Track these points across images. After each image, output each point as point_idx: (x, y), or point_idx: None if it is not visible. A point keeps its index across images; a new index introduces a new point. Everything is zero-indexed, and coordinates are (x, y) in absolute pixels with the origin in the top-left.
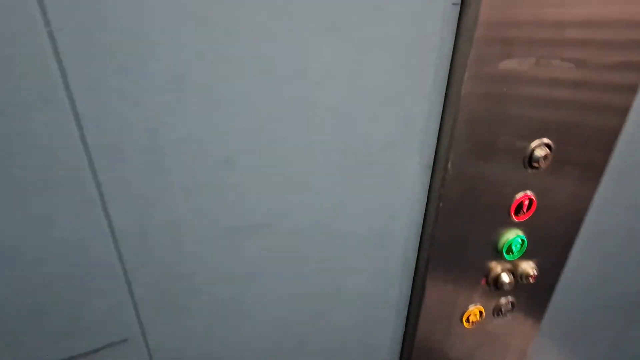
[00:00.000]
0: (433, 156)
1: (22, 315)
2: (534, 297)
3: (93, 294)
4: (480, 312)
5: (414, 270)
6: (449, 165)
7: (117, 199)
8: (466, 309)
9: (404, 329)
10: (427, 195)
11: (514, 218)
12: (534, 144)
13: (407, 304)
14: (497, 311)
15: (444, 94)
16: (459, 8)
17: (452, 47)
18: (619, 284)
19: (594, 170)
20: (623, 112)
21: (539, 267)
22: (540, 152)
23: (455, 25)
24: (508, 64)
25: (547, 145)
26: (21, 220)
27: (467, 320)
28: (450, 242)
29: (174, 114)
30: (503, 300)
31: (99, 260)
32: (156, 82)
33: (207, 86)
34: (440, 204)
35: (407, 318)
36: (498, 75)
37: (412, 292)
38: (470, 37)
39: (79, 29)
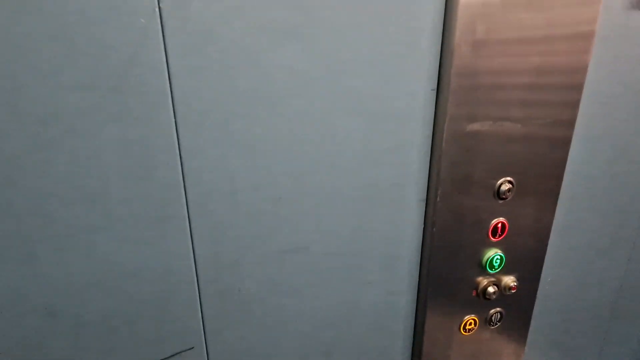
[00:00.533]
0: (426, 192)
1: (115, 324)
2: (518, 307)
3: (172, 308)
4: (475, 321)
5: (417, 285)
6: (438, 199)
7: (201, 230)
8: (463, 319)
9: (412, 339)
10: (423, 222)
11: (492, 239)
12: (499, 181)
13: (414, 315)
14: (489, 321)
15: (430, 148)
16: (435, 93)
17: (432, 119)
18: (591, 292)
19: (550, 197)
20: (564, 151)
21: (519, 279)
22: (505, 187)
23: (434, 106)
24: (473, 127)
25: (510, 182)
26: (130, 249)
27: (465, 329)
28: (444, 260)
29: (247, 170)
30: (492, 310)
31: (180, 279)
32: (239, 149)
33: (269, 151)
34: (434, 230)
35: (415, 329)
36: (467, 134)
37: (417, 305)
38: (444, 112)
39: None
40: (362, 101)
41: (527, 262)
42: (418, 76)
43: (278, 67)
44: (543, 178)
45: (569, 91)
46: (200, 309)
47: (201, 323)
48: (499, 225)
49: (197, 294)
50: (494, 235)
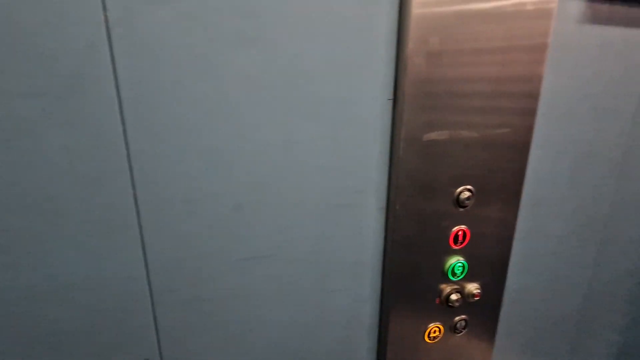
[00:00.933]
0: (386, 200)
1: (65, 336)
2: (483, 314)
3: (125, 319)
4: (439, 329)
5: (380, 293)
6: (397, 207)
7: (154, 239)
8: (427, 326)
9: (377, 346)
10: (384, 230)
11: (454, 247)
12: (459, 189)
13: (378, 323)
14: (454, 328)
15: (388, 156)
16: (392, 102)
17: (390, 127)
18: (558, 298)
19: (511, 205)
20: (523, 158)
21: (482, 286)
22: (464, 195)
23: (391, 115)
24: (431, 135)
25: (469, 190)
26: (78, 259)
27: (429, 336)
28: (406, 268)
29: (203, 178)
30: (457, 317)
31: (133, 289)
32: (194, 157)
33: (227, 158)
34: (394, 237)
35: (379, 336)
36: (425, 143)
37: (380, 312)
38: (401, 121)
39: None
40: (321, 108)
41: (491, 269)
42: (374, 85)
43: (233, 74)
44: (503, 186)
45: (525, 100)
46: (154, 319)
47: (155, 334)
48: (460, 233)
49: (151, 305)
50: (455, 243)
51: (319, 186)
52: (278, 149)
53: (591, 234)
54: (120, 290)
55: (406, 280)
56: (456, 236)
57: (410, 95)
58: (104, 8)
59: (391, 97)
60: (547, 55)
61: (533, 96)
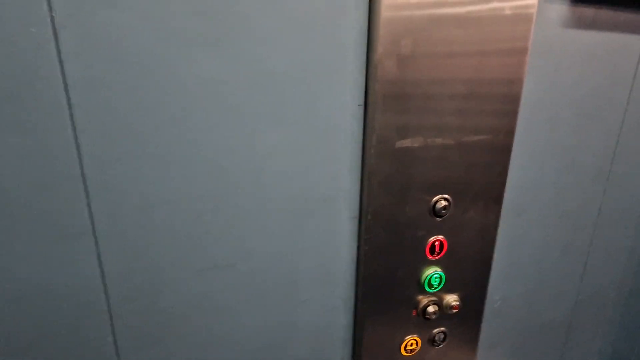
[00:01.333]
0: (358, 210)
1: (18, 348)
2: (463, 326)
3: (81, 330)
4: (417, 342)
5: (354, 304)
6: (369, 217)
7: (110, 247)
8: (403, 339)
9: (351, 357)
10: (357, 240)
11: (430, 257)
12: (435, 198)
13: (352, 334)
14: (432, 341)
15: (360, 165)
16: (362, 108)
17: (361, 133)
18: (545, 308)
19: (491, 214)
20: (503, 165)
21: (462, 298)
22: (441, 204)
23: (362, 121)
24: (404, 143)
25: (446, 199)
26: (29, 268)
27: (406, 349)
28: (380, 279)
29: (161, 185)
30: (435, 330)
31: (89, 299)
32: (151, 163)
33: (186, 164)
34: (367, 247)
35: (353, 348)
36: (397, 150)
37: (354, 324)
38: (372, 127)
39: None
40: (288, 114)
41: (471, 280)
42: (343, 90)
43: (193, 77)
44: (483, 194)
45: (505, 104)
46: (112, 330)
47: (114, 345)
48: (437, 243)
49: (108, 315)
50: (432, 254)
51: (284, 194)
52: (241, 156)
53: (578, 242)
54: (76, 300)
55: (381, 291)
56: (432, 246)
57: (381, 101)
58: (50, 8)
59: (361, 102)
60: (528, 59)
61: (513, 100)
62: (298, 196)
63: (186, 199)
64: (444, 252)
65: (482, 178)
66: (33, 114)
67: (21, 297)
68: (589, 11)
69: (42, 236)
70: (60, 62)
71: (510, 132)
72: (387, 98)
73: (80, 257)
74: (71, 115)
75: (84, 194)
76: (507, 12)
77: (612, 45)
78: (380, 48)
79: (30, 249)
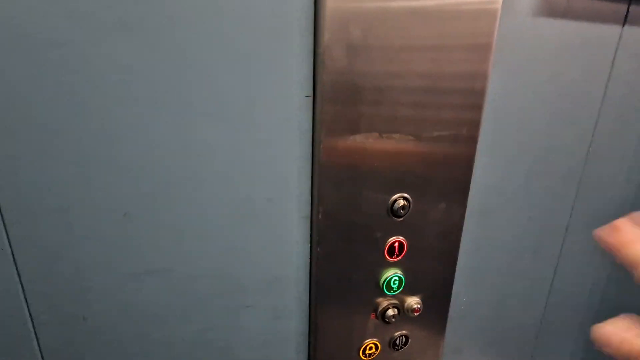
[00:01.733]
0: (310, 209)
1: None
2: (427, 329)
3: (3, 343)
4: (376, 345)
5: (308, 308)
6: (320, 217)
7: (25, 253)
8: (362, 343)
9: None
10: (309, 242)
11: (389, 259)
12: (393, 197)
13: (307, 341)
14: (393, 344)
15: (310, 161)
16: (311, 100)
17: (310, 127)
18: (514, 312)
19: (455, 214)
20: (467, 163)
21: (424, 300)
22: (399, 204)
23: (311, 114)
24: (357, 138)
25: (406, 198)
26: None
27: (365, 353)
28: (335, 281)
29: (79, 184)
30: (396, 333)
31: (9, 313)
32: (67, 162)
33: (107, 161)
34: (319, 249)
35: (308, 356)
36: (350, 146)
37: (309, 330)
38: (320, 120)
39: None
40: (224, 107)
41: (433, 282)
42: (289, 80)
43: (111, 64)
44: (445, 193)
45: (468, 96)
46: (38, 344)
47: (40, 356)
48: (396, 244)
49: (31, 327)
50: (390, 255)
51: (225, 194)
52: (173, 153)
53: (548, 245)
54: None
55: (337, 294)
56: (391, 247)
57: (331, 92)
58: None
59: (309, 93)
60: (492, 55)
61: (477, 95)
62: (240, 196)
63: (109, 200)
64: (403, 253)
65: (444, 176)
66: None
67: None
68: None
69: None
70: None
71: (474, 128)
72: (338, 89)
73: None
74: None
75: None
76: (470, 6)
77: (586, 36)
78: (327, 34)
79: None
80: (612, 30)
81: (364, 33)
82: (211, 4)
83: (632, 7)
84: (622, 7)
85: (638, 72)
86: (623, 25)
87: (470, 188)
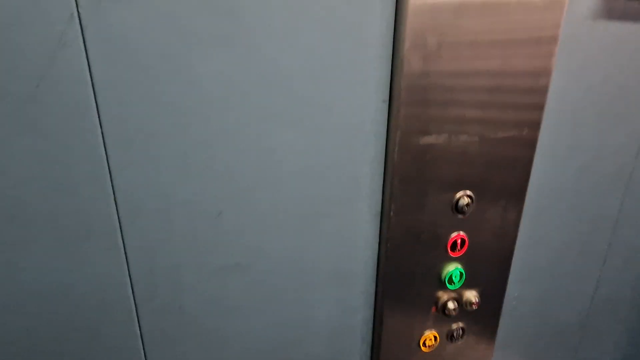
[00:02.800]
0: (380, 207)
1: (44, 349)
2: (482, 322)
3: (108, 327)
4: (435, 337)
5: (374, 301)
6: (392, 214)
7: (134, 247)
8: (422, 334)
9: (370, 355)
10: (378, 238)
11: (451, 254)
12: (458, 195)
13: (371, 332)
14: (450, 336)
15: (383, 162)
16: (387, 105)
17: (385, 131)
18: (560, 308)
19: (513, 212)
20: (527, 163)
21: (481, 295)
22: (463, 201)
23: (386, 118)
24: (428, 139)
25: (469, 196)
26: (56, 268)
27: (425, 344)
28: (400, 275)
29: (182, 185)
30: (454, 325)
31: (115, 298)
32: (170, 164)
33: (205, 165)
34: (388, 245)
35: (372, 345)
36: (421, 147)
37: (374, 321)
38: (397, 125)
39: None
40: (307, 113)
41: (490, 277)
42: (367, 87)
43: (211, 76)
44: (505, 192)
45: (531, 95)
46: (139, 328)
47: (140, 342)
48: (459, 240)
49: (135, 313)
50: (453, 250)
51: (301, 195)
52: (258, 156)
53: (596, 243)
54: (102, 298)
55: (401, 287)
56: (454, 243)
57: (406, 98)
58: (77, 4)
59: (386, 99)
60: (557, 49)
61: (540, 94)
62: (318, 195)
63: (205, 200)
64: (465, 248)
65: (505, 175)
66: (58, 115)
67: (46, 296)
68: (620, 2)
69: (67, 236)
70: (88, 60)
71: (535, 128)
72: (413, 94)
73: (107, 257)
74: (99, 117)
75: (112, 194)
76: (536, 16)
77: None
78: (407, 42)
79: (55, 249)
80: None
81: (438, 37)
82: (297, 17)
83: None
84: None
85: None
86: None
87: (528, 186)
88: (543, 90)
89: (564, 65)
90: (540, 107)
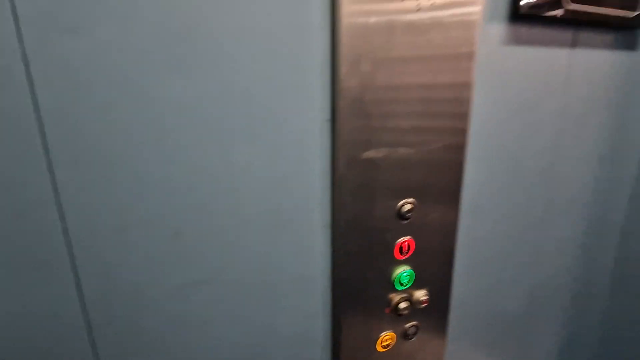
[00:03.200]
0: (330, 217)
1: None
2: (433, 319)
3: (63, 356)
4: (391, 337)
5: (331, 307)
6: (342, 223)
7: (88, 270)
8: (379, 336)
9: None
10: (331, 247)
11: (399, 258)
12: (400, 202)
13: (330, 337)
14: (405, 335)
15: (330, 175)
16: (330, 123)
17: (330, 147)
18: (504, 297)
19: (451, 214)
20: (459, 168)
21: (430, 293)
22: (406, 208)
23: (330, 135)
24: (369, 154)
25: (411, 203)
26: (6, 295)
27: (382, 345)
28: (354, 281)
29: (138, 205)
30: (408, 324)
31: (68, 321)
32: (126, 185)
33: (161, 183)
34: (340, 253)
35: (332, 351)
36: (364, 160)
37: (332, 327)
38: (340, 141)
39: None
40: (260, 131)
41: (437, 275)
42: (312, 108)
43: (165, 99)
44: (443, 195)
45: (457, 106)
46: (96, 353)
47: None
48: (405, 244)
49: (90, 338)
50: (400, 254)
51: (260, 208)
52: (217, 172)
53: (526, 236)
54: (55, 325)
55: (356, 293)
56: (401, 247)
57: (347, 115)
58: (20, 39)
59: (329, 118)
60: (474, 64)
61: (465, 104)
62: (273, 209)
63: (162, 218)
64: (411, 251)
65: (442, 180)
66: (4, 139)
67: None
68: (523, 29)
69: (17, 262)
70: (33, 91)
71: (463, 135)
72: (352, 112)
73: (59, 283)
74: (44, 141)
75: (59, 218)
76: (453, 19)
77: (545, 58)
78: (344, 66)
79: (4, 275)
80: (563, 52)
81: (373, 58)
82: (247, 45)
83: (576, 34)
84: (569, 35)
85: (589, 85)
86: (572, 48)
87: (463, 189)
88: (467, 101)
89: (484, 81)
90: (466, 116)
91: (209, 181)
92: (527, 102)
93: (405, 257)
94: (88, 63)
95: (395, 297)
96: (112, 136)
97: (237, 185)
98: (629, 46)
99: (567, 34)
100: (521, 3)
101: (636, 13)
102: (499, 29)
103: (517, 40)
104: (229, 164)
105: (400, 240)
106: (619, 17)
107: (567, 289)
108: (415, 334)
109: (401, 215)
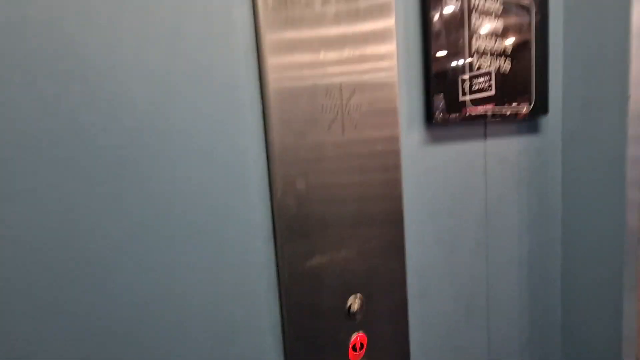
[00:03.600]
0: (281, 330)
1: None
2: None
3: None
4: None
5: None
6: (292, 332)
7: None
8: None
9: None
10: (283, 352)
11: (355, 353)
12: (349, 302)
13: None
14: None
15: (277, 290)
16: (272, 242)
17: (275, 263)
18: (460, 353)
19: (399, 300)
20: (401, 259)
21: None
22: (355, 307)
23: (273, 249)
24: (312, 262)
25: (360, 299)
26: None
27: None
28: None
29: None
30: None
31: None
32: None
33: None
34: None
35: None
36: (309, 269)
37: None
38: (282, 254)
39: None
40: (206, 253)
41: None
42: (254, 228)
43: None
44: (390, 286)
45: (389, 215)
46: None
47: None
48: (358, 341)
49: None
50: (355, 351)
51: (208, 322)
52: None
53: (477, 301)
54: None
55: None
56: (354, 345)
57: (287, 231)
58: None
59: (271, 236)
60: (402, 174)
61: (398, 200)
62: (221, 325)
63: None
64: (365, 348)
65: (385, 272)
66: None
67: None
68: (440, 131)
69: None
70: None
71: (399, 227)
72: (291, 229)
73: None
74: None
75: None
76: (379, 147)
77: (465, 149)
78: (279, 190)
79: None
80: (478, 144)
81: (306, 180)
82: (199, 171)
83: (487, 127)
84: (481, 129)
85: (503, 170)
86: (485, 139)
87: (407, 275)
88: (399, 198)
89: (410, 177)
90: (399, 213)
91: (150, 286)
92: (456, 187)
93: (360, 353)
94: None
95: None
96: None
97: (184, 306)
98: (532, 132)
99: (478, 128)
100: (435, 115)
101: (531, 106)
102: (418, 132)
103: (433, 140)
104: (172, 293)
105: (353, 338)
106: (517, 113)
107: (517, 283)
108: None
109: (351, 314)
